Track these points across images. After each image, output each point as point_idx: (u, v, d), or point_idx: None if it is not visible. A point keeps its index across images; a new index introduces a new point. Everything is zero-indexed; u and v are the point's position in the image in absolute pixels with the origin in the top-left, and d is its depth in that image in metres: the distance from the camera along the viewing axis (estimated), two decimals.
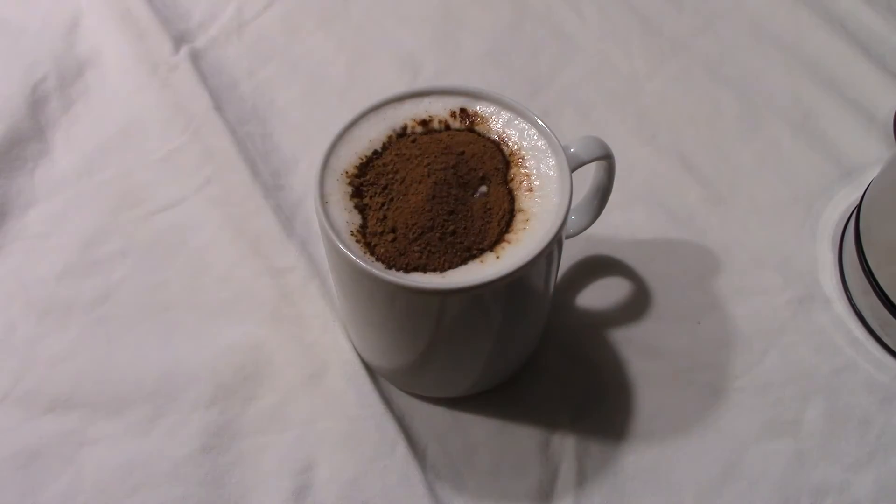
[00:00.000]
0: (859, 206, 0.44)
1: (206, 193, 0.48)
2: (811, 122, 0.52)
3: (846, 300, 0.44)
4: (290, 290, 0.44)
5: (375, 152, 0.35)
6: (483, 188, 0.34)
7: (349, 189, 0.34)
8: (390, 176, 0.34)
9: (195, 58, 0.53)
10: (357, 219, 0.33)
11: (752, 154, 0.51)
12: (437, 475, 0.39)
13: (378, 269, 0.31)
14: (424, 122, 0.35)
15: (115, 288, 0.45)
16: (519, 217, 0.33)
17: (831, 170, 0.50)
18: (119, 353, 0.42)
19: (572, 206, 0.33)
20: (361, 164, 0.34)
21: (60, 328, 0.43)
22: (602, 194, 0.40)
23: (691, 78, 0.54)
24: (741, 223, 0.47)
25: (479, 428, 0.40)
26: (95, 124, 0.51)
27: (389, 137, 0.35)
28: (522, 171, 0.34)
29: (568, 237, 0.38)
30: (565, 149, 0.34)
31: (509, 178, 0.34)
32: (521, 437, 0.40)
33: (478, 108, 0.36)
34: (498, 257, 0.32)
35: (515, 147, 0.35)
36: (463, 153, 0.34)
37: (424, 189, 0.33)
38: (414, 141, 0.35)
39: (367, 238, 0.33)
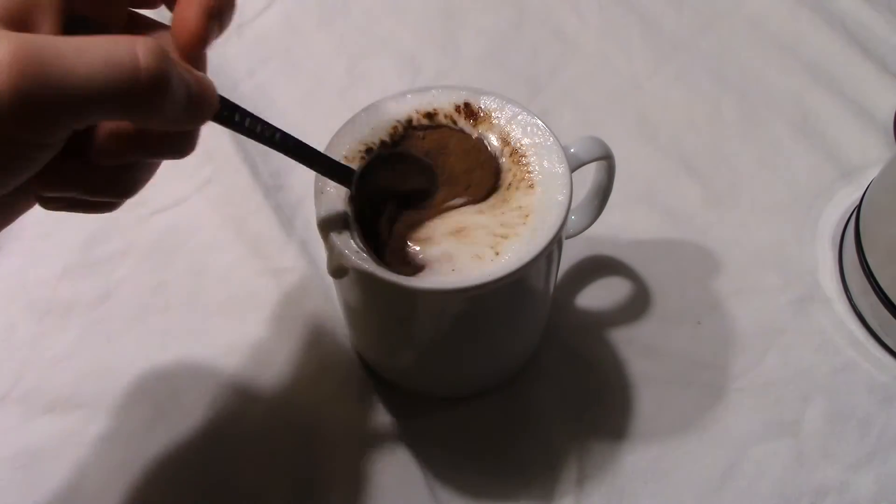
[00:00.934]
0: (859, 207, 0.44)
1: (206, 193, 0.48)
2: (811, 122, 0.52)
3: (846, 300, 0.44)
4: (290, 290, 0.44)
5: (375, 151, 0.35)
6: None
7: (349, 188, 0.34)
8: (390, 174, 0.34)
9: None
10: None
11: (752, 154, 0.50)
12: (437, 475, 0.39)
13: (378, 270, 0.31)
14: (430, 115, 0.35)
15: (115, 288, 0.45)
16: (519, 217, 0.33)
17: (831, 170, 0.50)
18: (119, 353, 0.42)
19: (572, 207, 0.33)
20: (362, 163, 0.34)
21: (60, 328, 0.43)
22: (602, 194, 0.40)
23: (691, 78, 0.54)
24: (741, 223, 0.47)
25: (479, 428, 0.40)
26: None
27: (390, 137, 0.35)
28: (522, 171, 0.34)
29: (568, 237, 0.38)
30: (565, 149, 0.34)
31: (508, 175, 0.34)
32: (521, 438, 0.40)
33: (480, 104, 0.36)
34: (498, 256, 0.32)
35: (515, 147, 0.35)
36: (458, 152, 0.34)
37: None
38: (413, 140, 0.35)
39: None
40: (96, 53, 0.21)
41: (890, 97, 0.52)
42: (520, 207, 0.33)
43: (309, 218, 0.47)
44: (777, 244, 0.47)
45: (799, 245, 0.47)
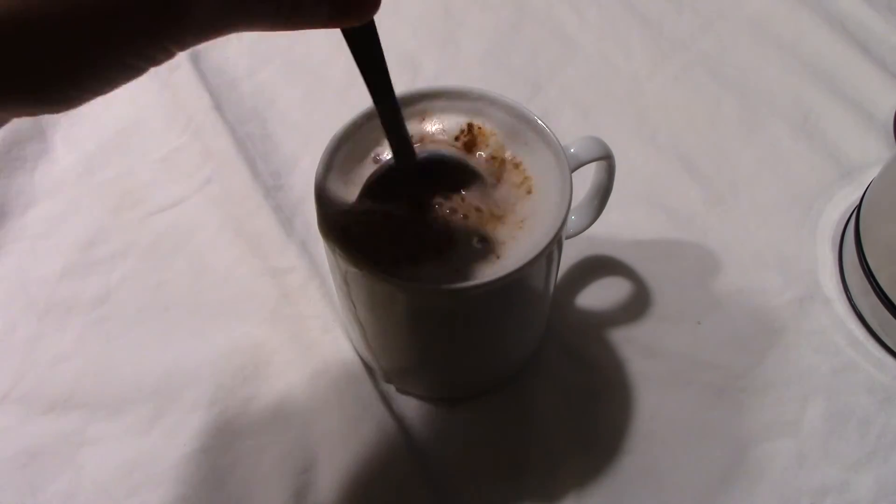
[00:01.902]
0: (859, 206, 0.44)
1: (206, 193, 0.48)
2: (811, 122, 0.52)
3: (846, 300, 0.44)
4: (290, 290, 0.44)
5: (376, 151, 0.35)
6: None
7: (349, 188, 0.34)
8: (390, 174, 0.34)
9: (195, 58, 0.53)
10: None
11: (752, 154, 0.51)
12: (437, 475, 0.39)
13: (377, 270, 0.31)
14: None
15: (115, 288, 0.45)
16: (519, 217, 0.33)
17: (831, 170, 0.50)
18: (119, 353, 0.42)
19: (572, 207, 0.33)
20: (362, 164, 0.34)
21: (60, 328, 0.43)
22: (602, 194, 0.40)
23: (691, 78, 0.54)
24: (741, 223, 0.47)
25: (479, 428, 0.40)
26: (95, 124, 0.51)
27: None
28: (522, 171, 0.34)
29: (568, 237, 0.38)
30: (565, 149, 0.34)
31: (508, 175, 0.34)
32: (521, 437, 0.40)
33: (478, 109, 0.36)
34: (498, 257, 0.32)
35: (515, 147, 0.35)
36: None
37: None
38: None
39: None
40: None
41: (890, 97, 0.52)
42: (520, 208, 0.33)
43: (309, 218, 0.47)
44: (777, 244, 0.47)
45: (799, 245, 0.47)
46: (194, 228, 0.47)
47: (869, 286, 0.42)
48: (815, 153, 0.50)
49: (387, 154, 0.34)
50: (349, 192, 0.33)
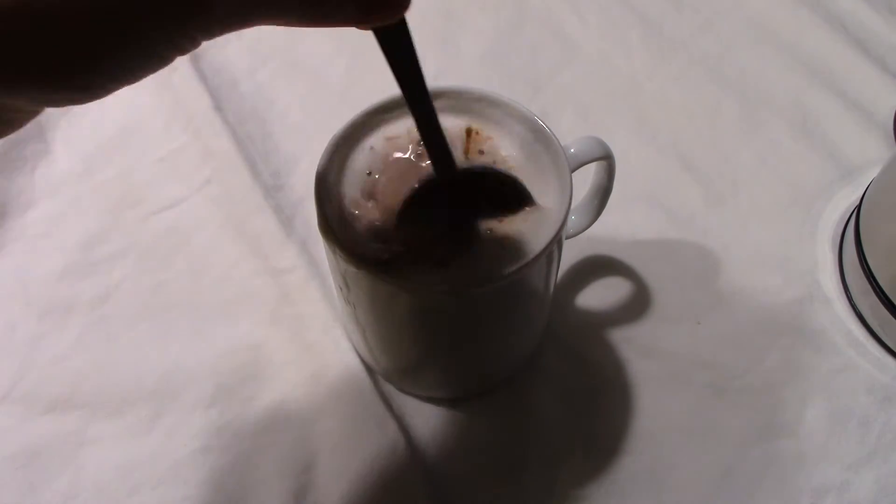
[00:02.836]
0: (859, 206, 0.44)
1: (206, 193, 0.48)
2: (811, 122, 0.52)
3: (846, 300, 0.44)
4: (290, 290, 0.44)
5: (376, 151, 0.35)
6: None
7: (350, 188, 0.34)
8: (390, 174, 0.34)
9: (195, 58, 0.53)
10: None
11: (752, 154, 0.51)
12: (437, 475, 0.39)
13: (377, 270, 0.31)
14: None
15: (115, 288, 0.45)
16: (519, 217, 0.33)
17: (831, 170, 0.50)
18: (119, 353, 0.42)
19: (572, 207, 0.33)
20: (362, 164, 0.34)
21: (60, 328, 0.43)
22: (602, 194, 0.40)
23: (691, 78, 0.54)
24: (741, 223, 0.47)
25: (479, 428, 0.40)
26: (95, 124, 0.51)
27: (390, 136, 0.35)
28: (522, 171, 0.34)
29: (568, 237, 0.38)
30: (565, 149, 0.34)
31: (507, 175, 0.34)
32: (521, 437, 0.40)
33: (478, 109, 0.36)
34: (498, 257, 0.32)
35: (515, 147, 0.35)
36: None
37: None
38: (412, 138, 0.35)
39: None
40: None
41: (890, 97, 0.52)
42: (520, 208, 0.33)
43: (309, 218, 0.47)
44: (777, 244, 0.47)
45: (799, 245, 0.47)
46: (194, 228, 0.47)
47: (869, 286, 0.42)
48: (815, 153, 0.50)
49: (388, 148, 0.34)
50: (350, 191, 0.33)
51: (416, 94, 0.28)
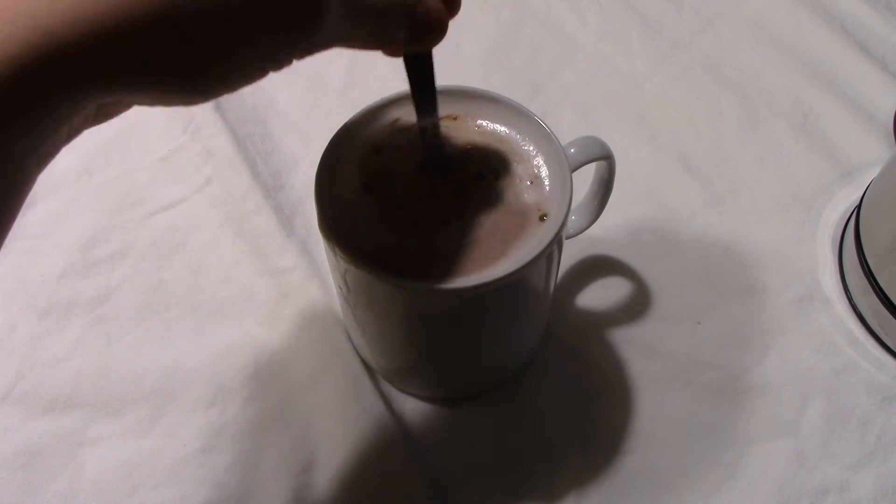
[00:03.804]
0: (859, 206, 0.44)
1: (206, 193, 0.48)
2: (811, 122, 0.52)
3: (846, 300, 0.44)
4: (290, 290, 0.44)
5: (375, 150, 0.35)
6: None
7: (350, 188, 0.34)
8: (389, 174, 0.34)
9: None
10: None
11: (752, 154, 0.51)
12: (437, 475, 0.39)
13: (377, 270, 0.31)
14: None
15: (115, 288, 0.45)
16: (519, 217, 0.33)
17: (831, 170, 0.50)
18: (119, 353, 0.42)
19: (572, 207, 0.33)
20: (362, 163, 0.34)
21: (60, 328, 0.43)
22: (602, 194, 0.40)
23: (691, 78, 0.54)
24: (741, 223, 0.47)
25: (479, 428, 0.40)
26: None
27: (389, 136, 0.35)
28: (522, 171, 0.34)
29: (568, 237, 0.38)
30: (565, 149, 0.34)
31: (508, 175, 0.34)
32: (521, 437, 0.40)
33: (477, 106, 0.36)
34: (498, 257, 0.32)
35: (515, 147, 0.35)
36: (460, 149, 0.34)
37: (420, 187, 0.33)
38: (411, 137, 0.35)
39: None
40: None
41: (890, 97, 0.52)
42: (520, 208, 0.33)
43: (309, 218, 0.47)
44: (777, 244, 0.47)
45: (799, 245, 0.47)
46: (194, 228, 0.47)
47: (869, 286, 0.42)
48: (815, 153, 0.50)
49: (387, 147, 0.34)
50: (349, 191, 0.33)
51: (428, 110, 0.32)
